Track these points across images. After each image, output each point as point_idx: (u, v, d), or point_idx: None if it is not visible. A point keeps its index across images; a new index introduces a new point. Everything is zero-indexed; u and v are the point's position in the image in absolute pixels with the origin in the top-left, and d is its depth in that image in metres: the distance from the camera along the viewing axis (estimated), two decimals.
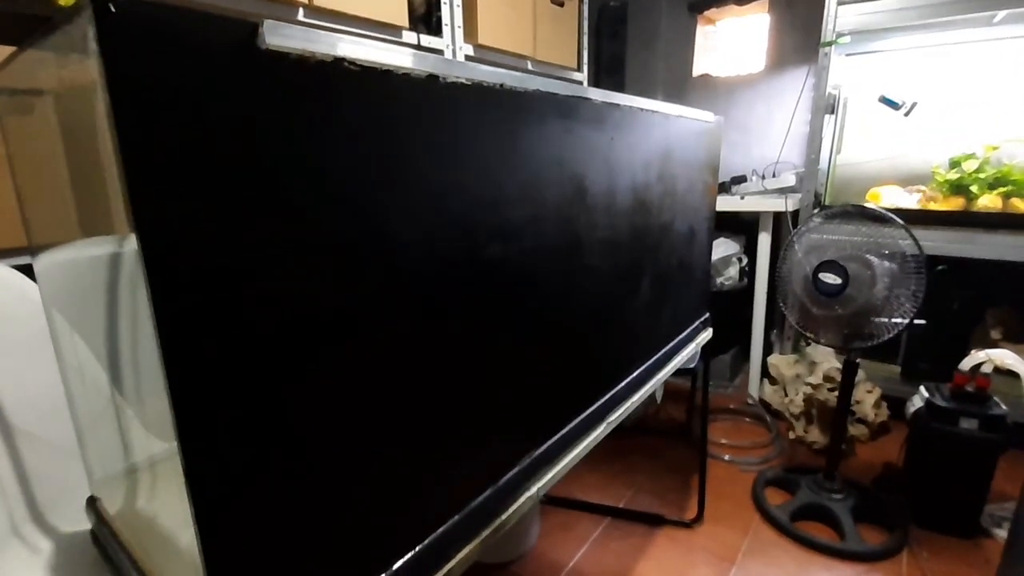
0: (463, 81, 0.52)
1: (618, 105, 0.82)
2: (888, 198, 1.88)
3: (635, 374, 1.03)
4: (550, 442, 0.77)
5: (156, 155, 0.32)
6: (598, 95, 0.76)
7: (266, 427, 0.40)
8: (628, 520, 1.47)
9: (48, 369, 0.68)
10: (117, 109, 0.30)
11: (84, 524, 0.68)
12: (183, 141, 0.33)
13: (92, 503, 0.67)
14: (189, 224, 0.34)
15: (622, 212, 0.88)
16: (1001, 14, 1.70)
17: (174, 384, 0.35)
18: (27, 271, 0.72)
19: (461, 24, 1.59)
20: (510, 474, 0.69)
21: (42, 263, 0.67)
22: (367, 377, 0.48)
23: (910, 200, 1.86)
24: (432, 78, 0.49)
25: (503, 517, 0.67)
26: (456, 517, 0.60)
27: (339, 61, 0.41)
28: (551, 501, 1.53)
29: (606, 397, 0.92)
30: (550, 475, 0.77)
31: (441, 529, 0.58)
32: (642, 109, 0.90)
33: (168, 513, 0.63)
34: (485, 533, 0.64)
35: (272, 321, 0.40)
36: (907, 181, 1.93)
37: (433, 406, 0.56)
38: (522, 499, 0.71)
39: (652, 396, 2.13)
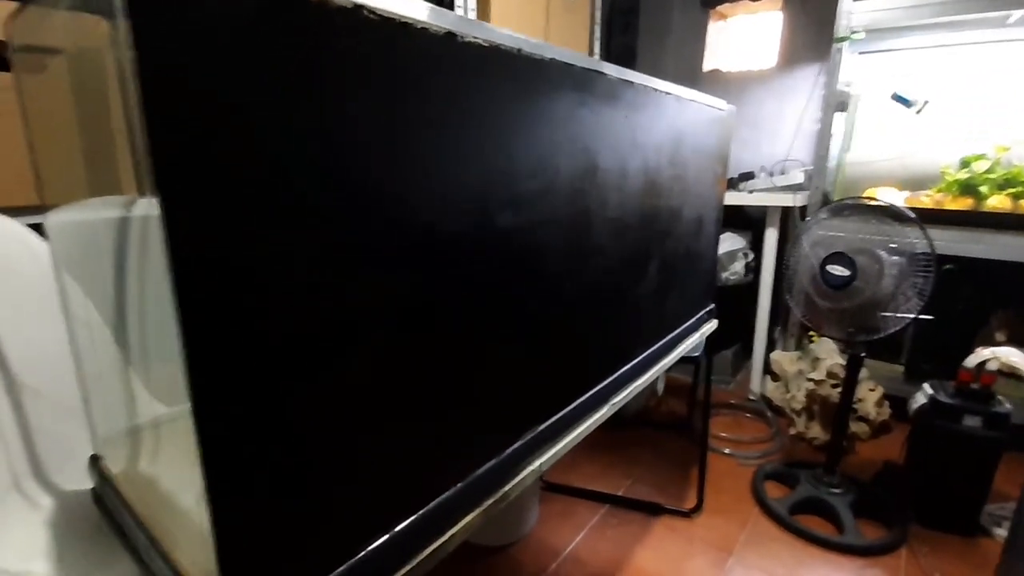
0: (480, 42, 0.51)
1: (632, 83, 0.82)
2: (883, 197, 1.87)
3: (640, 358, 1.03)
4: (553, 419, 0.77)
5: (180, 114, 0.32)
6: (613, 71, 0.75)
7: (277, 390, 0.40)
8: (627, 508, 1.47)
9: (56, 327, 0.68)
10: (142, 62, 0.30)
11: (86, 483, 0.68)
12: (203, 97, 0.33)
13: (95, 462, 0.67)
14: (208, 184, 0.34)
15: (633, 193, 0.88)
16: (1016, 15, 1.69)
17: (191, 352, 0.34)
18: (38, 230, 0.72)
19: (475, 9, 1.58)
20: (513, 447, 0.69)
21: (53, 222, 0.67)
22: (379, 343, 0.48)
23: (897, 197, 1.84)
24: (450, 36, 0.48)
25: (506, 488, 0.67)
26: (460, 485, 0.60)
27: (359, 8, 0.40)
28: (550, 487, 1.53)
29: (610, 379, 0.92)
30: (552, 451, 0.77)
31: (445, 495, 0.58)
32: (656, 89, 0.89)
33: (173, 473, 0.63)
34: (488, 503, 0.64)
35: (287, 285, 0.40)
36: (916, 181, 1.92)
37: (439, 376, 0.56)
38: (525, 472, 0.71)
39: (653, 388, 2.13)
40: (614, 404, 0.93)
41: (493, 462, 0.65)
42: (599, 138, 0.76)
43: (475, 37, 0.51)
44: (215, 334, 0.36)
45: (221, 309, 0.36)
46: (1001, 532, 1.35)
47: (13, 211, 0.72)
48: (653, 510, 1.45)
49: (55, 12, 0.49)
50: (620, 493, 1.52)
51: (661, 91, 0.91)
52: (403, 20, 0.44)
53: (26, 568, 0.59)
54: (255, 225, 0.37)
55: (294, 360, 0.41)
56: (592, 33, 2.21)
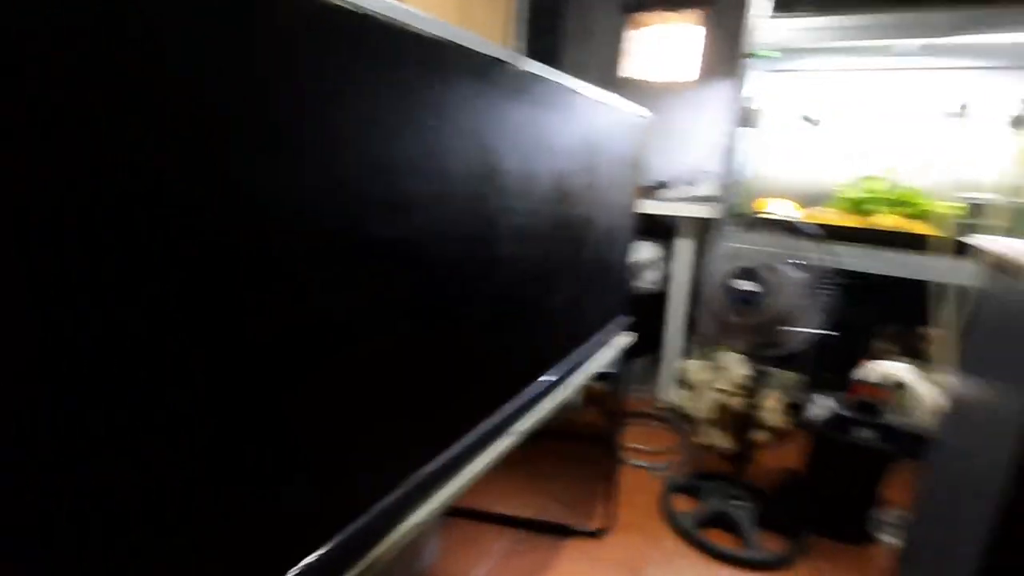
0: (347, 7, 0.40)
1: (544, 79, 0.73)
2: (774, 209, 1.94)
3: (550, 379, 0.94)
4: (445, 457, 0.66)
5: None
6: (518, 61, 0.66)
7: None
8: (536, 532, 1.39)
9: None
10: None
11: None
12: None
13: None
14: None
15: (542, 199, 0.79)
16: (897, 46, 1.80)
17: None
18: None
19: None
20: (390, 497, 0.57)
21: None
22: (197, 375, 0.35)
23: (793, 211, 1.92)
24: None
25: (377, 552, 0.55)
26: (308, 560, 0.48)
27: None
28: (453, 513, 1.42)
29: (515, 404, 0.83)
30: (442, 496, 0.66)
31: (293, 572, 0.46)
32: (570, 88, 0.81)
33: None
34: (351, 574, 0.52)
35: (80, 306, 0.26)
36: (816, 197, 2.01)
37: (284, 416, 0.43)
38: (404, 527, 0.60)
39: (571, 400, 2.09)
40: (519, 432, 0.84)
41: (360, 522, 0.54)
42: (504, 137, 0.66)
43: (340, 1, 0.39)
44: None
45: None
46: (887, 539, 1.42)
47: None
48: (563, 532, 1.39)
49: None
50: (530, 514, 1.44)
51: (575, 91, 0.83)
52: None
53: None
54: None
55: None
56: (514, 32, 2.13)
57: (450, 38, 0.53)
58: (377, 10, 0.43)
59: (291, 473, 0.45)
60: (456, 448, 0.69)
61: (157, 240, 0.32)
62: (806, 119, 1.84)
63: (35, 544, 0.30)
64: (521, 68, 0.68)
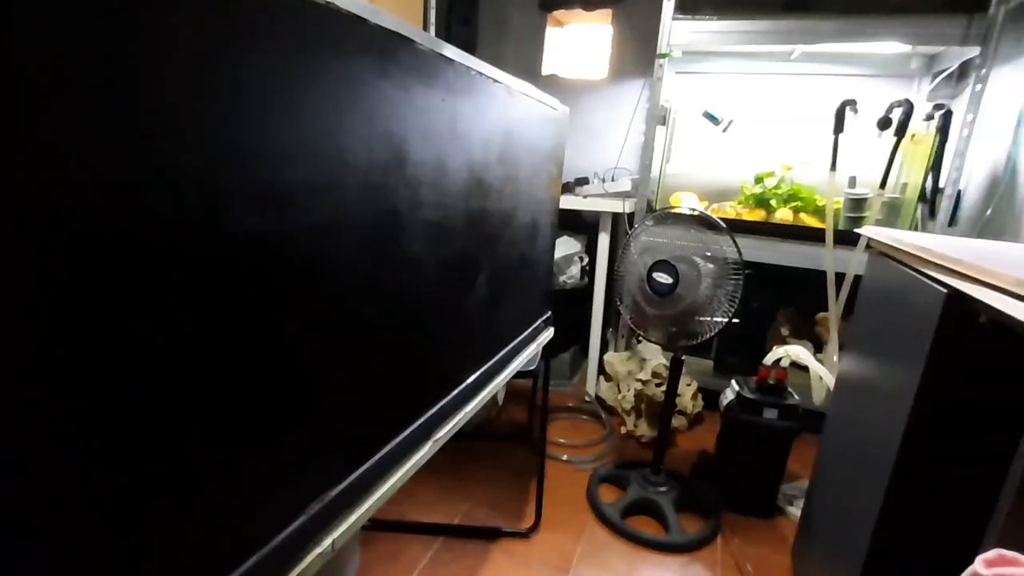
0: None
1: (452, 60, 0.68)
2: (686, 203, 2.04)
3: (470, 380, 0.90)
4: (355, 476, 0.60)
5: None
6: (424, 40, 0.61)
7: None
8: (463, 537, 1.35)
9: None
10: None
11: None
12: None
13: None
14: None
15: (455, 192, 0.75)
16: (797, 51, 1.94)
17: None
18: None
19: None
20: (291, 527, 0.51)
21: None
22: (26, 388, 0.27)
23: (699, 206, 2.03)
24: None
25: None
26: None
27: None
28: (375, 526, 1.35)
29: (433, 409, 0.78)
30: (353, 518, 0.60)
31: None
32: (482, 73, 0.77)
33: None
34: None
35: None
36: (723, 193, 2.12)
37: (162, 435, 0.36)
38: (311, 557, 0.53)
39: (494, 398, 2.06)
40: (438, 440, 0.80)
41: (256, 558, 0.47)
42: (410, 123, 0.61)
43: None
44: None
45: None
46: (794, 510, 1.51)
47: None
48: (491, 535, 1.36)
49: None
50: (456, 521, 1.40)
51: (488, 77, 0.80)
52: None
53: None
54: None
55: None
56: (427, 20, 2.06)
57: (345, 7, 0.47)
58: None
59: (191, 497, 0.38)
60: (368, 464, 0.63)
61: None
62: (708, 117, 1.93)
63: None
64: (430, 48, 0.63)
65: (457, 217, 0.77)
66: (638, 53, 2.32)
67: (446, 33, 2.38)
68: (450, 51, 0.67)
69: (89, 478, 0.33)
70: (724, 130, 1.94)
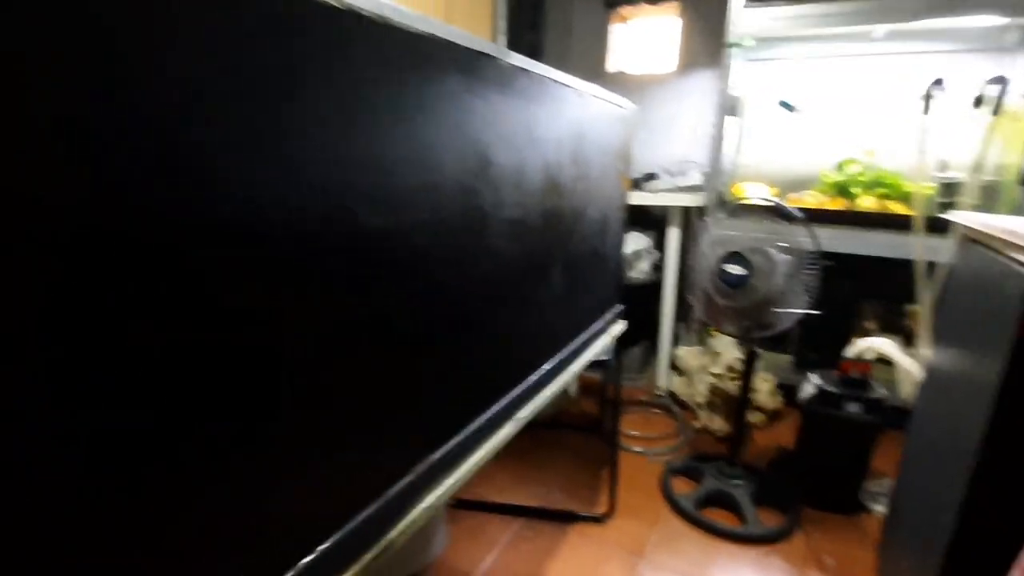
0: (332, 4, 0.42)
1: (529, 72, 0.75)
2: (750, 192, 1.98)
3: (547, 366, 0.97)
4: (450, 445, 0.68)
5: None
6: (505, 56, 0.68)
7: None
8: (540, 519, 1.42)
9: None
10: None
11: None
12: None
13: None
14: None
15: (532, 191, 0.82)
16: (878, 31, 1.85)
17: None
18: None
19: None
20: (400, 484, 0.59)
21: None
22: (212, 369, 0.37)
23: (771, 196, 1.96)
24: None
25: (391, 536, 0.57)
26: (328, 542, 0.50)
27: None
28: (460, 504, 1.44)
29: (515, 392, 0.85)
30: (450, 482, 0.68)
31: (307, 560, 0.48)
32: (555, 81, 0.84)
33: None
34: (368, 557, 0.54)
35: (83, 293, 0.28)
36: (800, 182, 2.05)
37: (295, 405, 0.45)
38: (415, 512, 0.62)
39: (566, 391, 2.12)
40: (520, 419, 0.87)
41: (373, 508, 0.56)
42: (493, 130, 0.68)
43: None
44: None
45: None
46: (879, 508, 1.46)
47: None
48: (567, 518, 1.42)
49: None
50: (534, 504, 1.47)
51: (561, 83, 0.86)
52: None
53: None
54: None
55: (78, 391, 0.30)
56: (496, 27, 2.15)
57: (439, 34, 0.55)
58: (367, 8, 0.45)
59: (314, 462, 0.47)
60: (461, 436, 0.71)
61: (162, 237, 0.33)
62: (784, 105, 1.88)
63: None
64: (508, 62, 0.70)
65: (534, 214, 0.83)
66: (707, 44, 2.29)
67: (513, 39, 2.46)
68: (526, 63, 0.74)
69: (271, 433, 0.42)
70: (800, 117, 1.88)
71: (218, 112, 0.35)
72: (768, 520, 1.41)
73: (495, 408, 0.79)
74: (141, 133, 0.31)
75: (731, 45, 1.90)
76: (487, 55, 0.64)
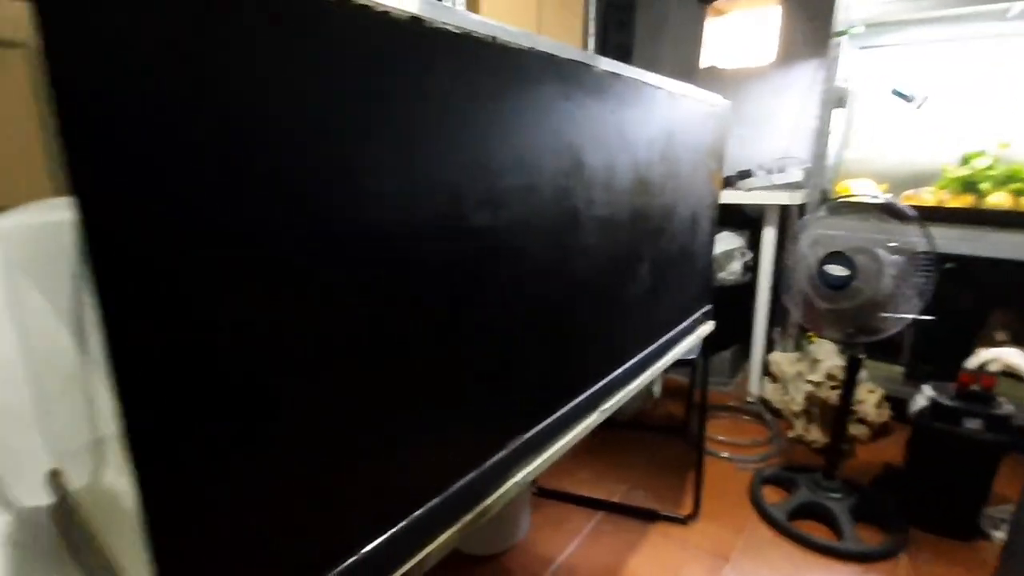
0: (450, 28, 0.48)
1: (620, 76, 0.78)
2: (858, 191, 1.83)
3: (632, 362, 0.99)
4: (539, 427, 0.73)
5: (94, 106, 0.29)
6: (599, 62, 0.72)
7: (223, 402, 0.37)
8: (622, 515, 1.43)
9: (11, 336, 0.65)
10: (48, 48, 0.27)
11: (44, 498, 0.64)
12: (120, 90, 0.30)
13: (54, 477, 0.63)
14: (128, 183, 0.31)
15: (622, 190, 0.85)
16: (1016, 8, 1.65)
17: (116, 363, 0.31)
18: None
19: (463, 3, 1.54)
20: (495, 458, 0.65)
21: (4, 225, 0.64)
22: (342, 351, 0.45)
23: (881, 193, 1.81)
24: (415, 21, 0.45)
25: (487, 502, 0.63)
26: (436, 500, 0.56)
27: None
28: (543, 493, 1.50)
29: (600, 384, 0.89)
30: (538, 462, 0.73)
31: (419, 512, 0.55)
32: (646, 83, 0.86)
33: (125, 491, 0.60)
34: (467, 518, 0.60)
35: (239, 285, 0.36)
36: (917, 178, 1.89)
37: (415, 383, 0.52)
38: (507, 485, 0.67)
39: (649, 391, 2.10)
40: (604, 411, 0.90)
41: (473, 475, 0.62)
42: (586, 133, 0.72)
43: (444, 23, 0.47)
44: (140, 344, 0.32)
45: (147, 316, 0.33)
46: (1000, 535, 1.32)
47: None
48: (648, 516, 1.42)
49: None
50: (615, 499, 1.48)
51: (651, 85, 0.88)
52: (360, 3, 0.40)
53: None
54: (188, 228, 0.34)
55: (243, 368, 0.38)
56: (586, 30, 2.18)
57: (538, 47, 0.60)
58: (480, 31, 0.51)
59: (435, 431, 0.54)
60: (549, 420, 0.76)
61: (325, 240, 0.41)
62: (898, 95, 1.74)
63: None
64: (600, 68, 0.74)
65: (623, 213, 0.86)
66: (810, 33, 2.17)
67: (603, 40, 2.47)
68: (618, 67, 0.77)
69: (412, 405, 0.50)
70: (918, 107, 1.74)
71: (371, 132, 0.42)
72: (868, 538, 1.33)
73: (581, 397, 0.83)
74: (330, 170, 0.39)
75: (839, 33, 1.79)
76: (581, 63, 0.68)
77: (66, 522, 0.60)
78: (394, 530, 0.52)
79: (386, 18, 0.42)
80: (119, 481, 0.65)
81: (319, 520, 0.45)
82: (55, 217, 0.65)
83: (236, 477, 0.39)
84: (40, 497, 0.64)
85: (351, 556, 0.48)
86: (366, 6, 0.40)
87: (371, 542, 0.50)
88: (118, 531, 0.55)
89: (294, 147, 0.38)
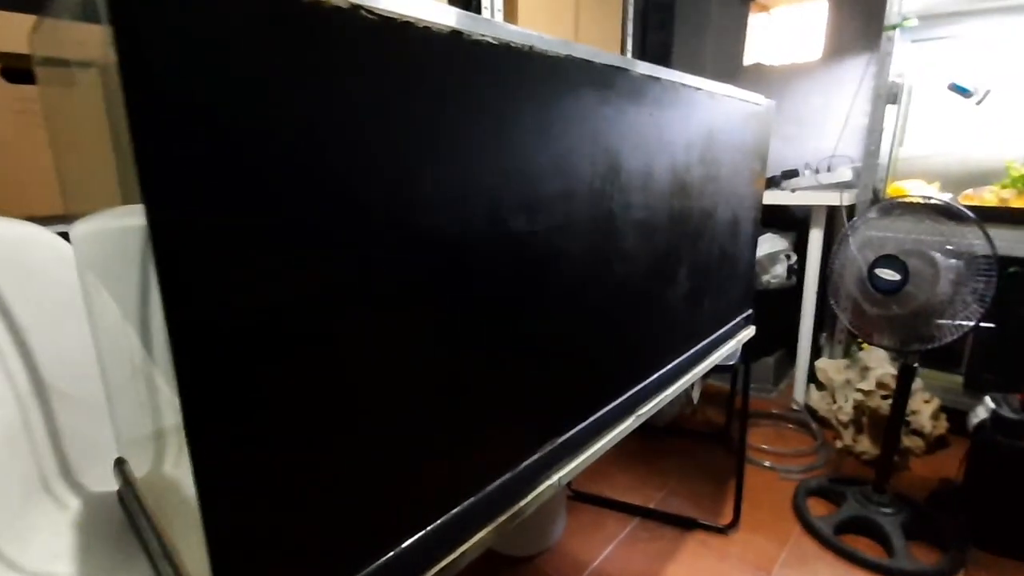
0: (489, 39, 0.49)
1: (659, 79, 0.78)
2: (914, 191, 1.74)
3: (670, 367, 0.98)
4: (575, 430, 0.74)
5: (166, 118, 0.31)
6: (637, 66, 0.72)
7: (276, 398, 0.39)
8: (658, 521, 1.41)
9: (84, 331, 0.70)
10: (124, 67, 0.29)
11: (112, 485, 0.69)
12: (192, 102, 0.32)
13: (119, 465, 0.68)
14: (196, 191, 0.33)
15: (660, 193, 0.84)
16: None
17: (179, 358, 0.34)
18: (66, 237, 0.74)
19: (501, 8, 1.56)
20: (531, 459, 0.66)
21: (78, 231, 0.69)
22: (383, 350, 0.46)
23: (937, 193, 1.71)
24: (455, 34, 0.46)
25: (521, 504, 0.64)
26: (472, 499, 0.58)
27: (356, 8, 0.39)
28: (578, 497, 1.49)
29: (637, 388, 0.88)
30: (573, 464, 0.73)
31: (455, 510, 0.56)
32: (685, 85, 0.85)
33: (185, 480, 0.64)
34: (502, 518, 0.61)
35: (287, 294, 0.39)
36: (977, 176, 1.79)
37: (452, 385, 0.54)
38: (543, 487, 0.68)
39: (688, 397, 2.06)
40: (640, 415, 0.89)
41: (508, 475, 0.63)
42: (623, 137, 0.72)
43: (483, 35, 0.49)
44: (203, 341, 0.35)
45: (211, 317, 0.35)
46: None
47: (43, 220, 0.74)
48: (686, 524, 1.40)
49: (65, 23, 0.50)
50: (652, 505, 1.47)
51: (690, 87, 0.87)
52: (404, 19, 0.42)
53: (49, 569, 0.60)
54: (250, 235, 0.36)
55: (293, 370, 0.40)
56: (624, 30, 2.16)
57: (576, 55, 0.61)
58: (518, 40, 0.52)
59: (474, 432, 0.56)
60: (585, 424, 0.76)
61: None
62: (957, 90, 1.65)
63: None
64: (638, 72, 0.74)
65: (661, 216, 0.86)
66: (860, 27, 2.09)
67: (642, 41, 2.45)
68: (656, 71, 0.77)
69: (458, 406, 0.51)
70: (978, 103, 1.64)
71: (416, 142, 0.44)
72: (922, 556, 1.27)
73: (617, 401, 0.83)
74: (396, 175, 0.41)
75: (891, 27, 1.71)
76: (618, 68, 0.68)
77: (131, 507, 0.64)
78: (432, 526, 0.53)
79: (428, 33, 0.44)
80: (177, 470, 0.69)
81: (364, 514, 0.47)
82: (124, 223, 0.70)
83: (286, 471, 0.41)
84: (108, 484, 0.69)
85: (391, 550, 0.50)
86: (409, 23, 0.42)
87: (410, 537, 0.52)
88: (176, 517, 0.58)
89: (351, 160, 0.40)
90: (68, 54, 0.61)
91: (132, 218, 0.69)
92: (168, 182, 0.33)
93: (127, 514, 0.68)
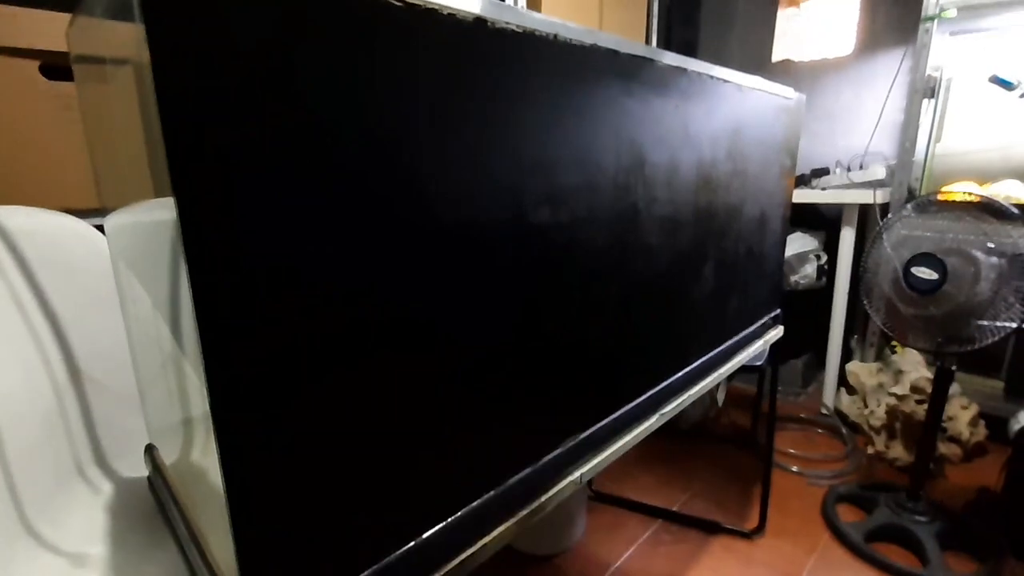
0: (513, 27, 0.49)
1: (685, 70, 0.76)
2: (956, 189, 1.67)
3: (694, 366, 0.96)
4: (596, 427, 0.73)
5: (197, 114, 0.32)
6: (663, 56, 0.71)
7: (300, 391, 0.39)
8: (681, 524, 1.39)
9: (118, 321, 0.72)
10: (156, 64, 0.30)
11: (143, 471, 0.71)
12: (221, 98, 0.33)
13: (149, 451, 0.70)
14: (225, 185, 0.34)
15: (685, 188, 0.83)
16: None
17: (207, 349, 0.34)
18: (102, 230, 0.76)
19: (524, 3, 1.56)
20: (552, 455, 0.65)
21: (112, 223, 0.71)
22: (408, 344, 0.46)
23: (978, 190, 1.64)
24: (480, 22, 0.46)
25: (543, 499, 0.64)
26: (492, 493, 0.57)
27: None
28: (600, 498, 1.48)
29: (661, 386, 0.87)
30: (595, 461, 0.72)
31: (476, 503, 0.56)
32: (712, 76, 0.83)
33: (212, 468, 0.65)
34: (523, 513, 0.61)
35: (307, 284, 0.39)
36: (1018, 173, 1.72)
37: (472, 379, 0.54)
38: (564, 483, 0.67)
39: (713, 398, 2.02)
40: (664, 414, 0.88)
41: (529, 470, 0.62)
42: (648, 130, 0.71)
43: (507, 22, 0.48)
44: (231, 334, 0.35)
45: (237, 308, 0.35)
46: None
47: (80, 212, 0.77)
48: (710, 528, 1.37)
49: (98, 20, 0.51)
50: (675, 508, 1.44)
51: (718, 78, 0.85)
52: (428, 6, 0.42)
53: (83, 551, 0.62)
54: (278, 224, 0.36)
55: (317, 362, 0.40)
56: (649, 25, 2.14)
57: (600, 43, 0.60)
58: (539, 28, 0.52)
59: (501, 425, 0.56)
60: (607, 421, 0.75)
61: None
62: (999, 82, 1.59)
63: None
64: (664, 62, 0.72)
65: (686, 211, 0.84)
66: (895, 19, 2.03)
67: (667, 36, 2.42)
68: (682, 61, 0.75)
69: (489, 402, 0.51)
70: (1022, 95, 1.58)
71: (430, 137, 0.44)
72: (958, 567, 1.22)
73: (640, 399, 0.82)
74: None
75: (929, 19, 1.66)
76: (644, 58, 0.67)
77: (160, 493, 0.66)
78: (454, 517, 0.53)
79: (452, 20, 0.44)
80: (205, 458, 0.71)
81: (388, 503, 0.47)
82: (156, 216, 0.72)
83: (312, 461, 0.41)
84: (139, 470, 0.71)
85: (411, 540, 0.50)
86: (434, 9, 0.42)
87: (430, 529, 0.51)
88: (203, 503, 0.59)
89: (375, 149, 0.40)
90: (102, 51, 0.62)
91: (163, 211, 0.71)
92: (198, 177, 0.33)
93: (156, 499, 0.69)
